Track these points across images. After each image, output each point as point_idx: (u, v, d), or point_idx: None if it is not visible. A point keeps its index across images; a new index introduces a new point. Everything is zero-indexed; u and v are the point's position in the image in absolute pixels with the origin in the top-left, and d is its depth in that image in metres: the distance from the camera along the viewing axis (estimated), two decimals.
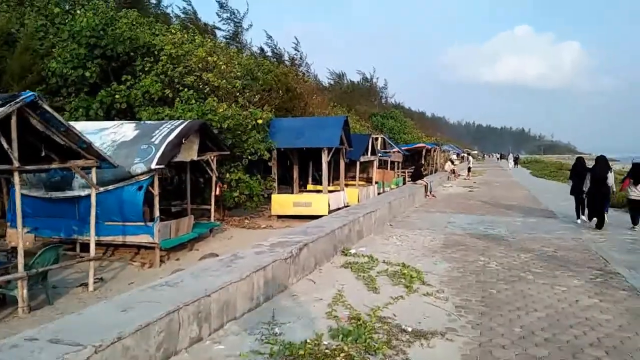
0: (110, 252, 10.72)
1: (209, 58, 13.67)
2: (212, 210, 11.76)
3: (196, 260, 9.99)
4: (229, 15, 39.33)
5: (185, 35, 13.78)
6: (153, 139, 9.29)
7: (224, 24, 39.37)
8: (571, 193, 13.85)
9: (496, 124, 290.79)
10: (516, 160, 63.78)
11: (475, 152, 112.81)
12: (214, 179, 11.59)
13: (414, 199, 18.11)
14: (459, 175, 34.83)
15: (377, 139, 25.95)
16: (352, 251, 9.08)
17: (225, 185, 12.71)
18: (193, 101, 11.92)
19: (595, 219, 12.44)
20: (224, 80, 13.35)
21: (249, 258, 6.24)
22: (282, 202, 14.44)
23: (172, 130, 9.44)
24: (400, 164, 26.63)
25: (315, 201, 14.28)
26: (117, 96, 11.97)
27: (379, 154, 21.30)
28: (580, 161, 14.19)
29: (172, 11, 36.58)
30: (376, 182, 20.08)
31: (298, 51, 47.67)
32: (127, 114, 12.32)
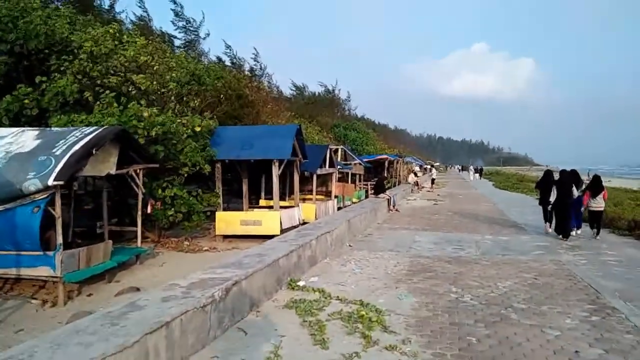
0: (9, 286, 8.79)
1: (140, 58, 11.93)
2: (139, 232, 9.95)
3: (112, 296, 8.22)
4: (184, 23, 37.88)
5: (110, 31, 11.96)
6: (55, 150, 7.50)
7: (179, 32, 37.85)
8: (539, 204, 14.41)
9: (457, 137, 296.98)
10: (480, 172, 63.53)
11: (438, 163, 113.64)
12: (139, 196, 9.81)
13: (376, 214, 16.75)
14: (423, 187, 33.88)
15: (336, 150, 24.61)
16: (301, 283, 7.52)
17: (158, 203, 10.96)
18: (115, 105, 10.11)
19: (562, 231, 12.59)
20: (155, 83, 11.60)
21: (151, 308, 4.60)
22: (228, 221, 12.75)
23: (80, 139, 7.66)
24: (362, 177, 25.34)
25: (265, 219, 12.66)
26: (26, 101, 10.05)
27: (339, 166, 19.90)
28: (547, 173, 14.58)
29: (127, 17, 34.38)
30: (336, 197, 18.64)
31: (258, 62, 46.59)
32: (40, 121, 10.42)
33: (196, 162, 11.22)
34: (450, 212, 20.04)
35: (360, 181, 25.32)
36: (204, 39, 38.28)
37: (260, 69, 47.18)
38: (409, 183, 33.52)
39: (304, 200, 17.60)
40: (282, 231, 12.52)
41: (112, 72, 11.40)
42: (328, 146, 17.32)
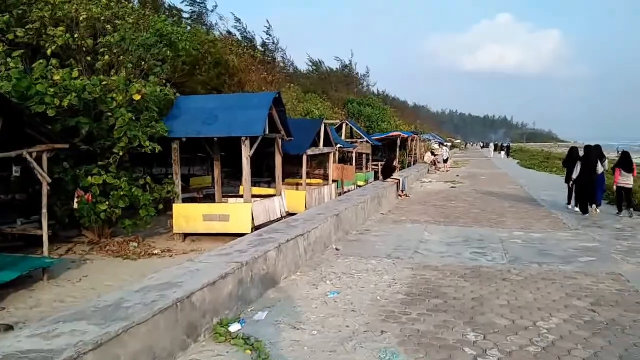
0: None
1: (67, 6, 9.30)
2: (45, 237, 7.42)
3: None
4: None
5: None
6: None
7: (186, 4, 35.37)
8: (566, 181, 13.98)
9: (479, 113, 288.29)
10: (507, 150, 59.21)
11: (459, 141, 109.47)
12: (44, 186, 7.26)
13: (380, 202, 14.02)
14: (440, 168, 30.89)
15: (340, 126, 21.81)
16: (235, 327, 4.93)
17: (87, 196, 8.45)
18: (13, 65, 7.54)
19: (586, 208, 12.43)
20: (68, 35, 8.92)
21: None
22: (188, 215, 10.19)
23: None
24: (369, 157, 22.55)
25: (234, 213, 10.07)
26: None
27: (340, 145, 17.15)
28: (573, 150, 14.28)
29: None
30: (335, 181, 15.94)
31: (270, 36, 43.85)
32: None
33: (135, 139, 8.58)
34: (469, 197, 17.20)
35: (367, 162, 22.53)
36: (212, 11, 35.95)
37: (273, 43, 44.75)
38: (426, 162, 30.56)
39: (297, 185, 14.97)
40: (256, 228, 9.94)
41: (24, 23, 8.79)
42: (322, 120, 14.53)
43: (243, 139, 9.80)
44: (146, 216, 9.57)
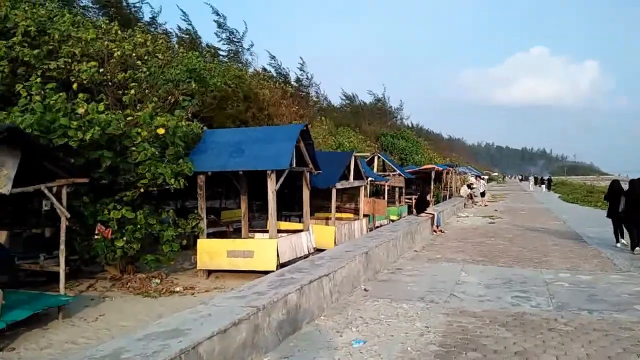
0: None
1: (98, 42, 9.35)
2: (62, 274, 7.18)
3: None
4: (227, 35, 36.60)
5: (54, 10, 9.50)
6: None
7: (223, 43, 36.55)
8: (607, 216, 13.30)
9: (516, 145, 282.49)
10: (548, 183, 56.91)
11: (496, 173, 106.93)
12: (63, 220, 7.06)
13: (413, 238, 13.39)
14: (477, 201, 29.84)
15: (372, 159, 21.37)
16: None
17: (107, 231, 8.24)
18: (38, 97, 7.50)
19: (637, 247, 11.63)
20: (94, 70, 8.86)
21: None
22: (212, 251, 9.85)
23: None
24: (402, 190, 21.91)
25: (258, 249, 9.67)
26: None
27: (371, 178, 16.67)
28: (615, 183, 13.62)
29: (172, 30, 33.09)
30: (365, 215, 15.40)
31: (304, 71, 44.61)
32: None
33: (159, 175, 8.38)
34: (509, 233, 16.29)
35: (400, 195, 21.89)
36: (248, 49, 36.87)
37: (307, 78, 45.54)
38: (462, 196, 29.59)
39: (327, 220, 14.49)
40: (281, 265, 9.51)
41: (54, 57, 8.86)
42: (352, 153, 14.14)
43: (269, 172, 9.49)
44: (169, 252, 9.29)
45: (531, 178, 75.31)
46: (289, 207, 15.46)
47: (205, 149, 10.20)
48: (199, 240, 10.10)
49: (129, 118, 8.49)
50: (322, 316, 6.69)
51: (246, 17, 75.52)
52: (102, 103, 8.31)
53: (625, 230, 12.58)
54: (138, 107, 9.51)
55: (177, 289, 9.31)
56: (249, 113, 14.72)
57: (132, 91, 9.24)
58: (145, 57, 11.42)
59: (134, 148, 8.28)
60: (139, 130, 8.31)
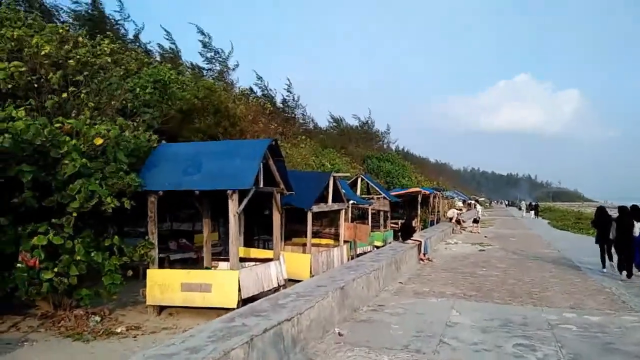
0: None
1: (26, 38, 8.02)
2: None
3: None
4: (212, 54, 35.53)
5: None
6: None
7: (207, 63, 35.42)
8: (596, 242, 13.63)
9: (502, 171, 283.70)
10: (536, 209, 55.75)
11: (482, 198, 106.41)
12: None
13: (398, 268, 12.09)
14: (465, 227, 28.68)
15: (355, 181, 20.14)
16: None
17: (33, 260, 6.83)
18: None
19: (624, 271, 12.04)
20: (13, 68, 7.51)
21: None
22: (164, 283, 8.39)
23: None
24: (388, 214, 20.66)
25: (217, 282, 8.27)
26: None
27: (353, 201, 15.42)
28: (603, 210, 14.17)
29: (154, 48, 31.93)
30: (347, 241, 14.07)
31: (291, 93, 43.78)
32: None
33: (94, 194, 7.00)
34: (502, 263, 15.08)
35: (386, 219, 20.60)
36: (234, 69, 35.65)
37: (293, 100, 44.68)
38: (450, 221, 28.40)
39: (304, 246, 13.11)
40: (244, 302, 8.11)
41: None
42: (330, 174, 12.86)
43: (229, 192, 8.15)
44: (110, 284, 7.84)
45: (523, 203, 74.36)
46: (269, 231, 14.09)
47: (157, 164, 8.83)
48: (148, 271, 8.64)
49: (57, 125, 7.15)
50: None
51: (233, 39, 74.93)
52: (21, 109, 6.97)
53: (613, 255, 12.87)
54: (72, 115, 8.13)
55: (119, 329, 7.84)
56: (220, 128, 13.46)
57: (61, 96, 7.89)
58: (107, 65, 10.13)
59: (65, 161, 6.91)
60: (67, 138, 6.94)
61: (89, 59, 9.36)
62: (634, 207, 12.83)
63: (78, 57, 8.98)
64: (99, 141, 7.29)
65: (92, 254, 7.37)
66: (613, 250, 12.85)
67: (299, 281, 9.32)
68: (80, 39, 10.98)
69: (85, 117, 7.65)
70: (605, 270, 12.95)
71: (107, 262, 7.74)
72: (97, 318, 8.17)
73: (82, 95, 8.53)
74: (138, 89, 11.24)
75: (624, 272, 11.94)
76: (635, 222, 12.08)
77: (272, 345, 5.20)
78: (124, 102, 10.28)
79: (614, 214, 13.19)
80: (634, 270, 12.05)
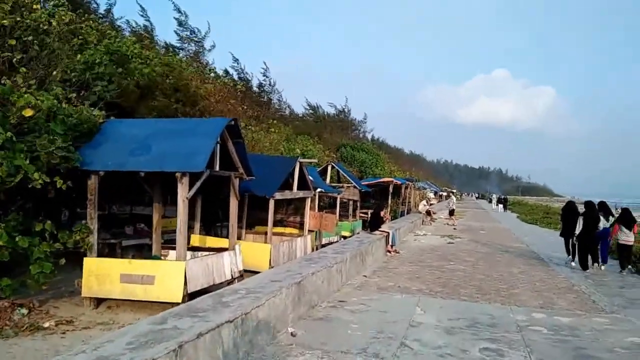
0: None
1: None
2: None
3: None
4: (188, 34, 34.06)
5: None
6: None
7: (182, 43, 33.93)
8: (561, 235, 14.09)
9: (474, 164, 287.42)
10: (505, 203, 56.21)
11: (455, 190, 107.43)
12: None
13: (363, 260, 11.52)
14: (435, 219, 28.42)
15: (325, 168, 19.50)
16: None
17: None
18: None
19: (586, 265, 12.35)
20: None
21: None
22: (102, 273, 7.61)
23: None
24: (358, 204, 20.12)
25: (161, 274, 7.52)
26: None
27: (320, 189, 14.77)
28: (571, 204, 14.41)
29: (128, 23, 30.22)
30: (311, 231, 13.43)
31: (267, 77, 42.68)
32: None
33: (18, 170, 6.13)
34: (471, 256, 14.71)
35: (355, 209, 20.06)
36: (210, 50, 34.34)
37: (270, 84, 43.59)
38: (420, 212, 28.11)
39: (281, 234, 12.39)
40: (190, 296, 7.40)
41: None
42: (297, 159, 12.14)
43: (178, 175, 7.37)
44: (38, 273, 7.00)
45: (494, 196, 75.38)
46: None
47: (102, 142, 7.98)
48: (85, 260, 7.81)
49: None
50: None
51: (210, 19, 72.96)
52: None
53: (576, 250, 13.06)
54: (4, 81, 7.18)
55: (47, 324, 7.03)
56: (178, 106, 12.52)
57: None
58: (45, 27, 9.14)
59: None
60: None
61: (40, 25, 8.38)
62: (601, 203, 13.29)
63: (17, 19, 7.99)
64: (28, 112, 6.42)
65: (17, 239, 6.51)
66: (576, 247, 13.03)
67: (257, 272, 8.64)
68: (35, 5, 9.99)
69: (10, 84, 6.71)
70: (573, 264, 13.11)
71: (37, 249, 6.89)
72: (24, 311, 7.32)
73: (15, 60, 7.56)
74: (92, 60, 10.27)
75: (589, 269, 12.28)
76: (601, 217, 12.52)
77: (207, 352, 4.50)
78: (69, 72, 9.31)
79: (582, 209, 13.16)
80: (598, 264, 12.62)
